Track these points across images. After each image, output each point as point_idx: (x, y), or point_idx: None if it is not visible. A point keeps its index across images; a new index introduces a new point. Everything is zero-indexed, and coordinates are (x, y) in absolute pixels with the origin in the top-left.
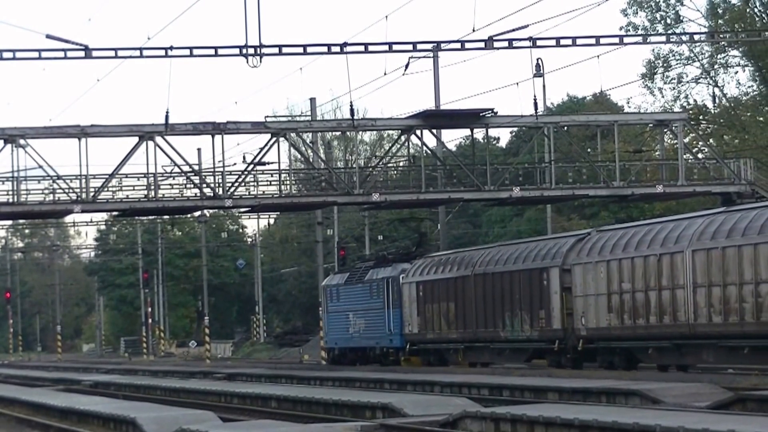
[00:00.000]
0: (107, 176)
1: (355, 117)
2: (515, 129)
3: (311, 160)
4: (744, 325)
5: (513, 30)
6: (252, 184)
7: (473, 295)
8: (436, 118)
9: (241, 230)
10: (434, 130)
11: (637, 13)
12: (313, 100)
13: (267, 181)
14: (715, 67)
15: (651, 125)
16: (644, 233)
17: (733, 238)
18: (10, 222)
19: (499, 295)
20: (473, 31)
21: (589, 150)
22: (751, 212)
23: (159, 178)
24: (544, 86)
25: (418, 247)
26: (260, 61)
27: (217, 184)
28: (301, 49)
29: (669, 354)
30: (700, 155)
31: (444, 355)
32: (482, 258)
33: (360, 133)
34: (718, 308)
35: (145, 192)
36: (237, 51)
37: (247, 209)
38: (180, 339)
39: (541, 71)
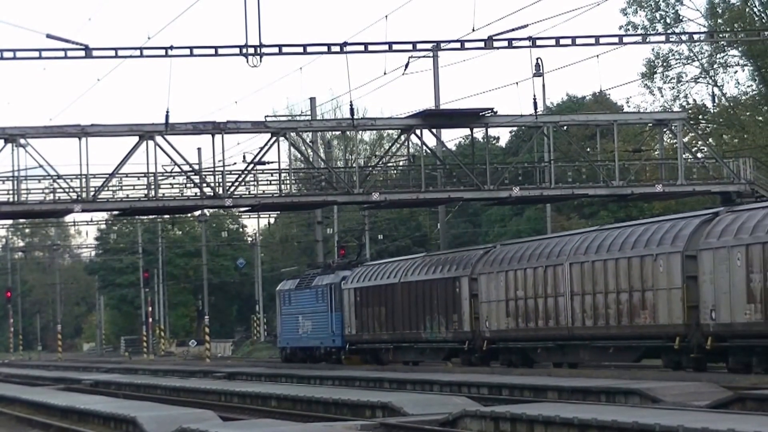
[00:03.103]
0: (107, 176)
1: (355, 116)
2: (515, 128)
3: (311, 159)
4: (609, 328)
5: (512, 30)
6: (252, 183)
7: (400, 301)
8: (436, 118)
9: (241, 229)
10: (434, 130)
11: (636, 12)
12: (313, 100)
13: (267, 180)
14: (715, 66)
15: (650, 125)
16: (536, 247)
17: (600, 254)
18: (10, 221)
19: (420, 300)
20: (473, 30)
21: (588, 149)
22: (615, 231)
23: (159, 178)
24: (543, 86)
25: (358, 256)
26: (260, 61)
27: (217, 184)
28: (301, 49)
29: (554, 353)
30: (699, 155)
31: (377, 354)
32: (407, 267)
33: (360, 132)
34: (590, 313)
35: (146, 191)
36: (237, 51)
37: (247, 208)
38: (180, 338)
39: (541, 71)
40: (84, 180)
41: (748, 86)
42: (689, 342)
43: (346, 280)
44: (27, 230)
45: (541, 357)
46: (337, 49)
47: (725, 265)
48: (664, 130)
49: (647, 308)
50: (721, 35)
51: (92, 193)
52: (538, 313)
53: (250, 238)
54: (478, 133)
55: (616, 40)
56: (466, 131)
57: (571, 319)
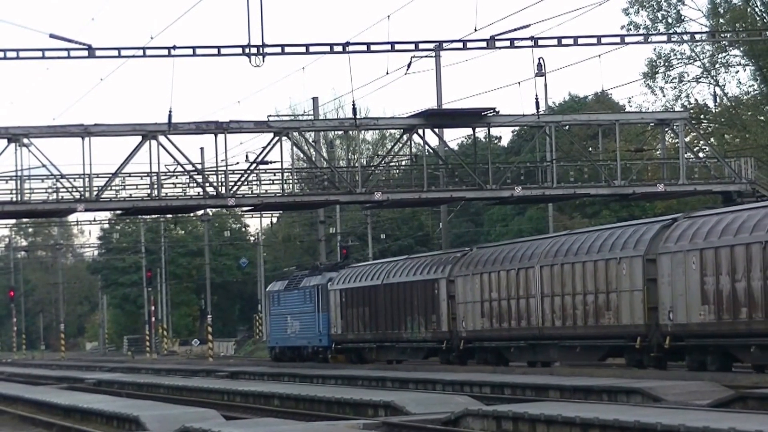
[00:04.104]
0: (110, 175)
1: (358, 116)
2: (517, 128)
3: (314, 159)
4: (576, 328)
5: (515, 29)
6: (255, 183)
7: (383, 302)
8: (438, 118)
9: (243, 229)
10: (436, 130)
11: (638, 12)
12: (315, 100)
13: (269, 180)
14: (716, 66)
15: (652, 124)
16: (509, 251)
17: (568, 257)
18: (13, 221)
19: (402, 302)
20: (475, 30)
21: (590, 149)
22: (583, 235)
23: (162, 177)
24: (545, 85)
25: (345, 259)
26: (263, 61)
27: (219, 183)
28: (303, 49)
29: (526, 352)
30: (701, 154)
31: (361, 353)
32: (389, 270)
33: (362, 132)
34: (559, 314)
35: (148, 191)
36: (240, 50)
37: (249, 208)
38: (183, 337)
39: (543, 70)
40: (87, 179)
41: (750, 86)
42: (650, 341)
43: (333, 281)
44: (30, 229)
45: (514, 356)
46: (340, 48)
47: (682, 269)
48: (666, 129)
49: (611, 309)
50: (722, 35)
51: (95, 193)
52: (510, 314)
53: (252, 238)
54: (480, 133)
55: (618, 39)
56: (469, 131)
57: (542, 320)
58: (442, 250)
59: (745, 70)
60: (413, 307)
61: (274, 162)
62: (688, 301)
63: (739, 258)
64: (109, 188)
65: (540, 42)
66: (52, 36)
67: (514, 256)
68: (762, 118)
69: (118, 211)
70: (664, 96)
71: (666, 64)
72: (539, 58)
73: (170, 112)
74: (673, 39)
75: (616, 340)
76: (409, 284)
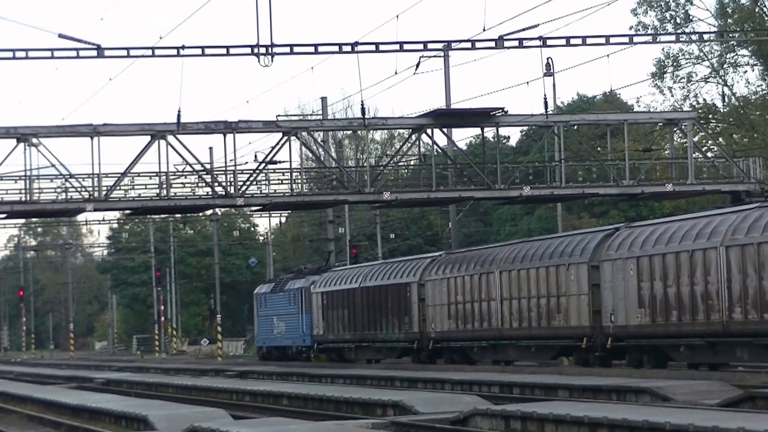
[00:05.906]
0: (119, 175)
1: (366, 116)
2: (525, 128)
3: (322, 158)
4: (531, 329)
5: (523, 29)
6: (263, 182)
7: (360, 304)
8: (447, 117)
9: (252, 228)
10: (445, 129)
11: (647, 12)
12: (324, 99)
13: (278, 179)
14: (725, 66)
15: (660, 124)
16: (472, 257)
17: (524, 263)
18: (23, 220)
19: (377, 304)
20: (484, 30)
21: (599, 149)
22: (537, 243)
23: (171, 177)
24: (554, 85)
25: (327, 262)
26: (272, 61)
27: (228, 183)
28: (312, 49)
29: (488, 352)
30: (709, 154)
31: (342, 352)
32: (366, 273)
33: (371, 132)
34: (516, 316)
35: (157, 191)
36: (249, 50)
37: (258, 208)
38: (192, 337)
39: (552, 70)
40: (96, 179)
41: (758, 86)
42: (594, 342)
43: (315, 284)
44: (39, 229)
45: (478, 355)
46: (349, 48)
47: (621, 275)
48: (674, 129)
49: (561, 312)
50: (731, 35)
51: (104, 193)
52: (474, 316)
53: (261, 237)
54: (489, 133)
55: (626, 39)
56: (477, 131)
57: (501, 321)
58: (451, 249)
59: (753, 70)
60: (387, 309)
61: (283, 162)
62: (627, 305)
63: (670, 265)
64: (118, 188)
65: (548, 42)
66: (61, 36)
67: (477, 262)
68: None
69: (127, 211)
70: (672, 96)
71: (674, 64)
72: (548, 58)
73: (179, 111)
74: (681, 39)
75: (565, 340)
76: (384, 287)
